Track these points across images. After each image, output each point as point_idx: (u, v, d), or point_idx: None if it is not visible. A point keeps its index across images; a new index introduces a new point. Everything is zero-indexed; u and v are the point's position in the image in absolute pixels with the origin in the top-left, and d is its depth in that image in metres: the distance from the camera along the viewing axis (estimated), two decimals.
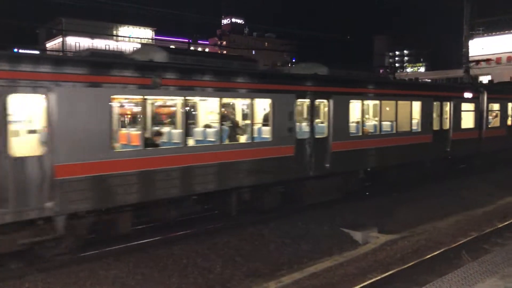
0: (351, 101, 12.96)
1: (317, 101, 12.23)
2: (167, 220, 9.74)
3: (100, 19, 55.95)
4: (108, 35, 58.80)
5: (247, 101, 10.90)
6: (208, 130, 10.41)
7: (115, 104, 8.78)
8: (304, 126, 12.06)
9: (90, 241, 8.46)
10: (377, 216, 12.15)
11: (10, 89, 7.26)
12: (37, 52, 59.10)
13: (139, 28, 66.54)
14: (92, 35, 52.47)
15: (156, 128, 10.09)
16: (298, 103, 11.75)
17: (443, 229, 11.02)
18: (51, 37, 62.46)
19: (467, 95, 17.59)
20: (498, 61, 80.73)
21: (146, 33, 66.75)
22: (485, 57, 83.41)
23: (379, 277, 7.36)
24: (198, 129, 10.76)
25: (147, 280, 7.59)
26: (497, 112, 19.25)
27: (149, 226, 10.15)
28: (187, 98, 9.54)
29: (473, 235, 9.87)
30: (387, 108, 14.33)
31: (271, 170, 10.80)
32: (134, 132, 9.38)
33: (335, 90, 12.49)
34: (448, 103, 16.41)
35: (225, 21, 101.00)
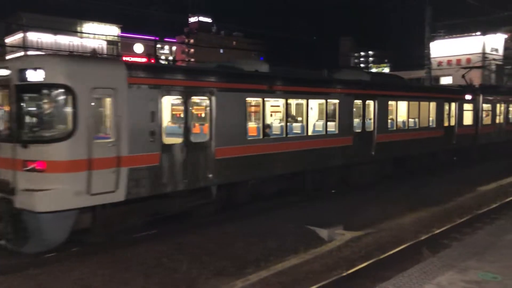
0: (389, 102, 15.73)
1: (367, 102, 14.83)
2: (269, 193, 12.28)
3: (63, 15, 54.38)
4: (72, 31, 57.20)
5: (323, 101, 13.51)
6: (299, 124, 13.09)
7: (248, 105, 11.31)
8: (358, 121, 14.75)
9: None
10: (343, 214, 12.33)
11: (191, 94, 9.87)
12: None
13: (105, 25, 65.06)
14: (55, 31, 50.94)
15: (267, 122, 12.15)
16: (355, 103, 14.38)
17: (406, 225, 11.31)
18: (11, 32, 60.25)
19: (468, 97, 20.74)
20: (458, 62, 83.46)
21: (111, 30, 65.33)
22: (446, 59, 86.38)
23: (344, 274, 7.49)
24: (296, 124, 13.30)
25: (111, 281, 7.45)
26: (489, 111, 22.52)
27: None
28: (288, 100, 12.34)
29: (434, 231, 10.17)
30: (412, 108, 17.08)
31: (337, 156, 13.68)
32: (255, 125, 11.98)
33: (378, 93, 15.30)
34: (454, 104, 19.49)
35: (192, 19, 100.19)
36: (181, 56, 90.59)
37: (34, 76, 7.83)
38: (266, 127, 11.79)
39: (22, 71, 7.96)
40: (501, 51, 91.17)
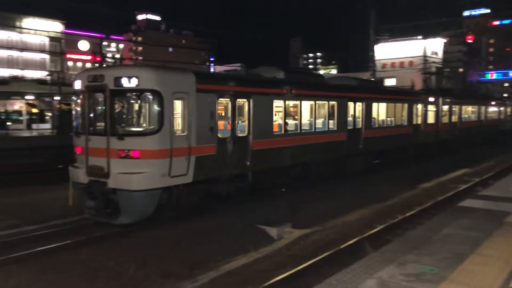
0: (373, 103, 18.26)
1: (357, 103, 17.27)
2: (289, 179, 14.47)
3: (1, 9, 51.54)
4: (11, 26, 54.36)
5: (325, 103, 15.73)
6: (308, 122, 15.14)
7: (273, 106, 13.27)
8: (350, 120, 16.97)
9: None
10: (293, 212, 12.54)
11: (237, 97, 11.95)
12: None
13: (47, 21, 62.28)
14: None
15: (286, 120, 14.01)
16: (348, 104, 16.78)
17: (352, 222, 11.64)
18: None
19: (431, 99, 23.69)
20: (402, 65, 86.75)
21: (54, 26, 62.65)
22: (389, 61, 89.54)
23: (292, 271, 7.62)
24: (306, 122, 15.12)
25: (54, 287, 7.17)
26: (447, 111, 25.82)
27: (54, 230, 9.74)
28: (302, 101, 14.55)
29: (377, 227, 10.55)
30: (390, 109, 19.91)
31: (336, 149, 16.06)
32: (277, 123, 13.64)
33: (365, 96, 17.91)
34: (421, 105, 22.51)
35: (140, 17, 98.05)
36: (128, 54, 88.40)
37: (129, 83, 9.67)
38: (286, 124, 13.91)
39: (117, 79, 9.77)
40: (440, 54, 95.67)
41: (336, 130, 16.03)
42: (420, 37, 77.30)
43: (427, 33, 64.61)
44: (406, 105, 21.05)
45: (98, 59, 38.33)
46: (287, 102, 13.95)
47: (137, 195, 9.61)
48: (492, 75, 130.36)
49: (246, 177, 12.59)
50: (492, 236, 6.41)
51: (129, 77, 9.66)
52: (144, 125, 9.97)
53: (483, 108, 31.59)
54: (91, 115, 10.40)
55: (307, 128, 14.98)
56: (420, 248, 5.85)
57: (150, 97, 9.79)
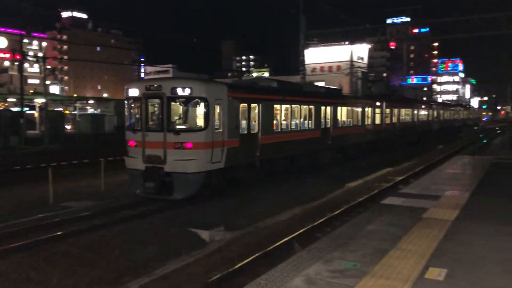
0: (338, 107, 21.75)
1: (327, 107, 20.60)
2: (281, 169, 17.40)
3: None
4: None
5: (307, 106, 19.01)
6: (295, 122, 18.27)
7: (274, 109, 16.19)
8: (322, 121, 20.21)
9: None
10: (226, 214, 12.59)
11: (251, 102, 14.75)
12: None
13: None
14: None
15: (282, 121, 17.27)
16: (321, 108, 20.10)
17: (283, 222, 11.91)
18: None
19: (378, 103, 27.79)
20: (330, 69, 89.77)
21: None
22: (319, 65, 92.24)
23: (224, 272, 7.66)
24: (294, 121, 18.14)
25: None
26: (388, 114, 29.70)
27: None
28: (292, 105, 17.68)
29: (308, 226, 10.88)
30: (349, 112, 23.63)
31: (314, 144, 19.46)
32: (276, 122, 16.54)
33: (332, 101, 21.36)
34: (370, 109, 26.21)
35: (65, 14, 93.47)
36: (52, 53, 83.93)
37: (183, 92, 12.62)
38: (281, 124, 16.99)
39: (173, 88, 12.66)
40: (366, 60, 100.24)
41: (313, 128, 19.51)
42: (347, 42, 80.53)
43: (354, 39, 67.47)
44: (360, 109, 24.94)
45: (18, 57, 36.00)
46: (282, 106, 17.12)
47: (190, 176, 12.56)
48: (413, 80, 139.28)
49: (255, 165, 15.40)
50: (411, 232, 6.86)
51: (183, 88, 12.66)
52: (194, 123, 13.02)
53: (415, 111, 36.52)
54: (149, 116, 13.36)
55: (294, 127, 18.21)
56: (345, 245, 6.13)
57: (200, 102, 12.81)
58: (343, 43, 78.31)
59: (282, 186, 16.50)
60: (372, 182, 18.08)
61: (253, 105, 15.07)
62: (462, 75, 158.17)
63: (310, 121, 19.31)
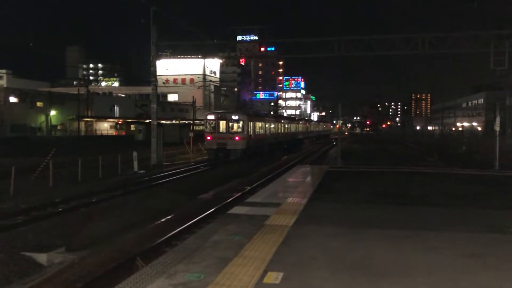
0: (282, 122, 47.45)
1: (279, 123, 46.31)
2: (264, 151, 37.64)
3: None
4: None
5: (277, 123, 44.61)
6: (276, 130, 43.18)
7: (268, 124, 39.76)
8: (280, 129, 45.60)
9: None
10: (66, 234, 11.66)
11: (258, 121, 36.68)
12: None
13: None
14: None
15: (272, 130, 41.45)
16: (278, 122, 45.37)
17: (130, 239, 11.47)
18: None
19: (287, 120, 53.63)
20: (183, 81, 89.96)
21: None
22: (172, 77, 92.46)
23: None
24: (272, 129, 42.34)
25: None
26: (283, 125, 47.56)
27: None
28: (277, 123, 44.33)
29: (157, 241, 10.66)
30: (295, 126, 57.22)
31: (277, 140, 43.74)
32: (258, 130, 36.23)
33: (295, 122, 59.10)
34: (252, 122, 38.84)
35: None
36: None
37: (235, 117, 31.37)
38: (265, 130, 38.14)
39: (231, 115, 31.98)
40: (218, 74, 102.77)
41: (274, 133, 40.90)
42: (200, 56, 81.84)
43: (206, 53, 68.97)
44: (298, 124, 58.84)
45: None
46: (272, 122, 40.83)
47: (237, 150, 30.35)
48: (262, 95, 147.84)
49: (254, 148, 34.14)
50: (253, 239, 7.19)
51: (235, 115, 31.78)
52: (238, 129, 30.70)
53: (292, 124, 54.48)
54: (220, 126, 30.85)
55: (273, 131, 40.63)
56: (190, 257, 6.15)
57: (240, 121, 30.78)
58: (196, 56, 79.49)
59: (130, 200, 15.94)
60: (224, 192, 18.60)
61: (258, 123, 35.73)
62: (303, 92, 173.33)
63: (276, 129, 42.91)
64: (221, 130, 30.46)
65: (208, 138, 30.67)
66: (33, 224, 12.06)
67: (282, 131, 45.49)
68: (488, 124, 74.68)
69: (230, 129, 30.52)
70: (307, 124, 71.89)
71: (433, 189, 13.83)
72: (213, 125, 30.87)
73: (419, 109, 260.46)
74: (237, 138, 30.15)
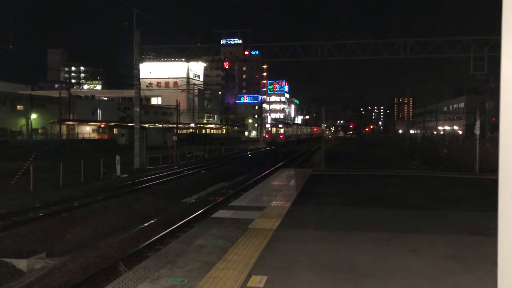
0: (298, 127, 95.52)
1: (301, 128, 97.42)
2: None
3: None
4: None
5: (294, 128, 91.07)
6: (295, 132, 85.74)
7: (286, 128, 76.50)
8: (292, 132, 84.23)
9: None
10: (47, 239, 11.47)
11: (282, 127, 75.20)
12: None
13: None
14: None
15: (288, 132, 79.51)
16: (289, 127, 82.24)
17: (113, 244, 11.35)
18: None
19: (293, 126, 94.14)
20: (167, 84, 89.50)
21: None
22: (155, 80, 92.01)
23: None
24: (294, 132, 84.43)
25: None
26: (291, 129, 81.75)
27: None
28: (287, 128, 76.73)
29: (140, 246, 10.57)
30: (301, 129, 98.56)
31: (292, 139, 79.98)
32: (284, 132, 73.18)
33: (302, 127, 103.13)
34: (294, 127, 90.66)
35: None
36: None
37: (280, 126, 73.17)
38: (288, 132, 74.77)
39: (277, 123, 77.56)
40: (202, 77, 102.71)
41: (295, 134, 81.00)
42: (183, 59, 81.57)
43: (190, 56, 68.59)
44: (309, 128, 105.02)
45: None
46: (291, 128, 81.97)
47: (281, 142, 67.08)
48: (246, 99, 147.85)
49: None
50: (237, 243, 7.18)
51: (280, 124, 74.50)
52: (281, 132, 69.42)
53: (303, 128, 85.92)
54: (274, 130, 70.87)
55: (295, 132, 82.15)
56: (174, 261, 6.11)
57: (282, 128, 71.31)
58: (179, 59, 79.20)
59: (113, 204, 15.78)
60: (208, 196, 18.54)
61: (280, 128, 70.08)
62: (287, 95, 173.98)
63: (294, 132, 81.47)
64: (273, 132, 68.01)
65: (266, 136, 70.34)
66: (13, 230, 11.84)
67: (299, 132, 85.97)
68: (468, 127, 76.65)
69: (278, 131, 66.89)
70: (308, 128, 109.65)
71: (415, 192, 14.02)
72: (269, 129, 67.11)
73: (402, 113, 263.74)
74: (281, 136, 66.52)
